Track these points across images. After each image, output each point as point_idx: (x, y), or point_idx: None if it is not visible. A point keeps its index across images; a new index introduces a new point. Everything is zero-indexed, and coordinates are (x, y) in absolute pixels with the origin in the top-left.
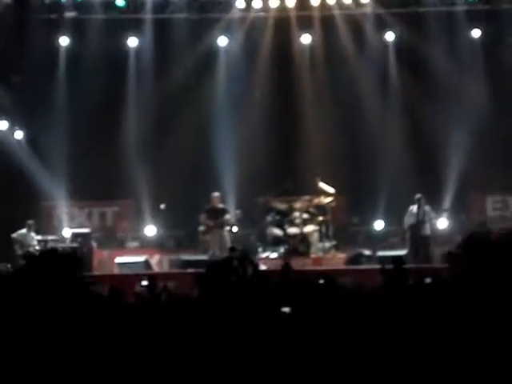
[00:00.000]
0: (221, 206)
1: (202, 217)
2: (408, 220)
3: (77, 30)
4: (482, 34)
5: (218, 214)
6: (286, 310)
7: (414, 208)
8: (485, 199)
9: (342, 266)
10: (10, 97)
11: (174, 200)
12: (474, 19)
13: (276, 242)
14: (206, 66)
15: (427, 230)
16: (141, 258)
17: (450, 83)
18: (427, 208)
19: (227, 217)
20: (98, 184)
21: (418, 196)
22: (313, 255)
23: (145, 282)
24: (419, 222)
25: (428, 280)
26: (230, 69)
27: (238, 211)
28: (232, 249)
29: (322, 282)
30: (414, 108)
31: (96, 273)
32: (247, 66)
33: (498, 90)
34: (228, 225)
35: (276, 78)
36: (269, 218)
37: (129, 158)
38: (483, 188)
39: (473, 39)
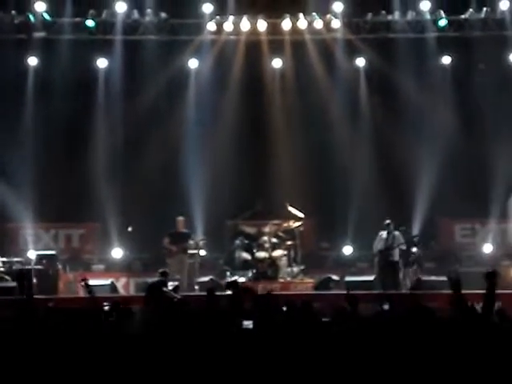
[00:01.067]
0: (185, 230)
1: (165, 241)
2: (377, 245)
3: (46, 50)
4: (452, 61)
5: (181, 239)
6: (249, 324)
7: (383, 233)
8: (453, 226)
9: (310, 291)
10: None
11: (141, 223)
12: (444, 46)
13: (244, 266)
14: (176, 88)
15: (395, 256)
16: (107, 281)
17: (420, 109)
18: (396, 234)
19: (190, 242)
20: (64, 206)
21: (387, 221)
22: (281, 280)
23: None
24: (388, 248)
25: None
26: (201, 91)
27: (203, 238)
28: (163, 273)
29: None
30: (385, 133)
31: (61, 295)
32: (218, 89)
33: (468, 116)
34: (192, 249)
35: (246, 101)
36: (237, 242)
37: (96, 180)
38: (452, 215)
39: (443, 66)
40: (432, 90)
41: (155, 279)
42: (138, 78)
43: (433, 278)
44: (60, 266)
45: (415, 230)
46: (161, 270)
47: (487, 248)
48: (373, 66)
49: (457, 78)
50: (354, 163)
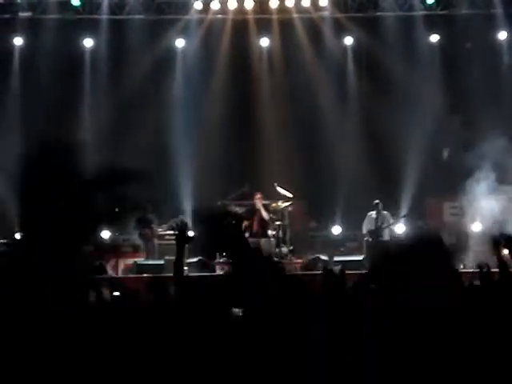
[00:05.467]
0: (150, 215)
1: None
2: (367, 226)
3: (31, 30)
4: (440, 39)
5: (147, 223)
6: (237, 311)
7: (372, 213)
8: (442, 205)
9: (299, 271)
10: None
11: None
12: (432, 24)
13: None
14: (162, 67)
15: (385, 236)
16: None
17: (407, 88)
18: (386, 213)
19: (155, 227)
20: None
21: (375, 201)
22: None
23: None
24: (377, 228)
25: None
26: (188, 71)
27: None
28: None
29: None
30: (372, 113)
31: None
32: (205, 69)
33: (455, 95)
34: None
35: (234, 81)
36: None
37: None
38: (440, 194)
39: (431, 44)
40: (420, 68)
41: None
42: (125, 57)
43: None
44: None
45: (404, 209)
46: None
47: (476, 226)
48: (360, 44)
49: (444, 56)
50: (342, 143)
